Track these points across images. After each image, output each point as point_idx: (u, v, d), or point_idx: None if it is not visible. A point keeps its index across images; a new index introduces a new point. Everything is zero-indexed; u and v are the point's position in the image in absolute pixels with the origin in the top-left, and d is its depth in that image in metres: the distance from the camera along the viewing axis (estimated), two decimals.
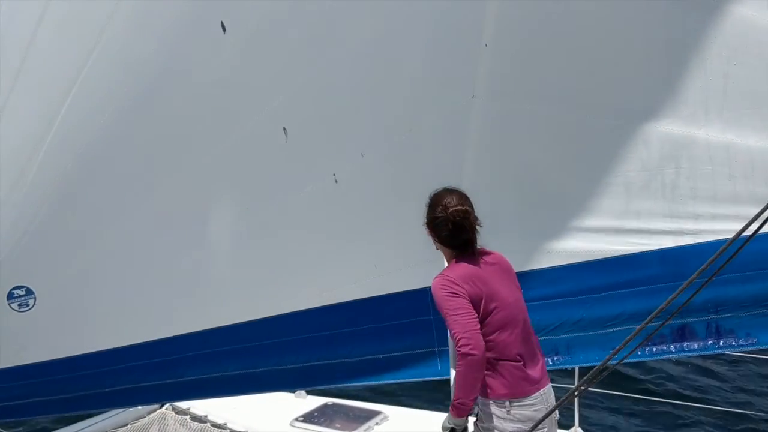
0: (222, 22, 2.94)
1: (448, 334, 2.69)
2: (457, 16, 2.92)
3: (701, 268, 1.79)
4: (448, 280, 2.61)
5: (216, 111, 3.11)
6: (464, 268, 2.68)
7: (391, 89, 3.05)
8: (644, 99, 2.95)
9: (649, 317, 1.82)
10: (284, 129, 3.11)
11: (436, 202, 2.73)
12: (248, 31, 2.99)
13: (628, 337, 1.86)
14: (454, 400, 2.56)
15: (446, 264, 2.77)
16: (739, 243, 1.93)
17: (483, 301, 2.61)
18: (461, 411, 2.57)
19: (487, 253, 2.78)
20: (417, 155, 3.12)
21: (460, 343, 2.48)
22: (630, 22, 2.82)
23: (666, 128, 2.94)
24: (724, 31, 2.83)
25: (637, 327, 3.04)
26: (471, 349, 2.46)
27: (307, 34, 3.01)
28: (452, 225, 2.67)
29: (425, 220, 2.77)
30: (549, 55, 2.91)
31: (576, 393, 2.48)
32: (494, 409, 2.62)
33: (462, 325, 2.50)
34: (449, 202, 2.68)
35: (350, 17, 2.97)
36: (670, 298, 1.82)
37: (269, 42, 3.03)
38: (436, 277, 2.67)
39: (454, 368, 2.63)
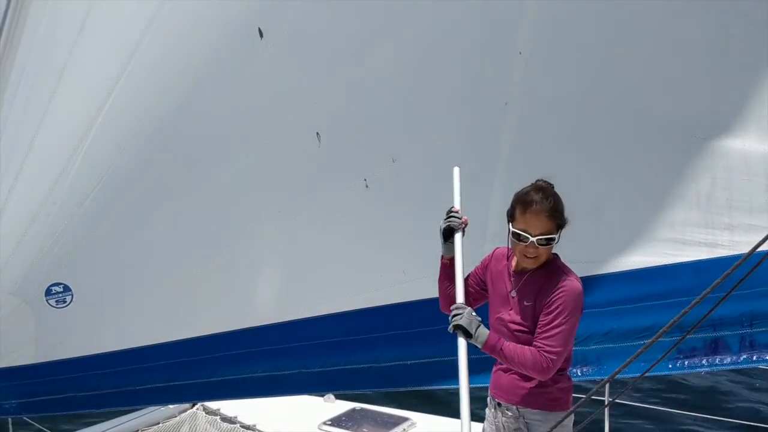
0: (259, 28, 2.99)
1: None
2: (491, 23, 2.92)
3: (714, 283, 1.74)
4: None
5: (251, 115, 3.15)
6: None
7: (424, 96, 3.06)
8: (681, 108, 2.91)
9: (658, 333, 1.78)
10: (317, 134, 3.14)
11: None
12: (284, 37, 3.04)
13: (636, 353, 1.82)
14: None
15: None
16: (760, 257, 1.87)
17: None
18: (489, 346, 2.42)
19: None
20: (449, 162, 3.11)
21: None
22: (664, 31, 2.79)
23: (702, 138, 2.90)
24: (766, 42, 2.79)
25: (669, 339, 3.04)
26: None
27: (342, 41, 3.04)
28: None
29: None
30: (582, 63, 2.89)
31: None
32: None
33: None
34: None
35: (385, 25, 2.99)
36: (676, 316, 1.77)
37: (304, 48, 3.06)
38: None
39: None
